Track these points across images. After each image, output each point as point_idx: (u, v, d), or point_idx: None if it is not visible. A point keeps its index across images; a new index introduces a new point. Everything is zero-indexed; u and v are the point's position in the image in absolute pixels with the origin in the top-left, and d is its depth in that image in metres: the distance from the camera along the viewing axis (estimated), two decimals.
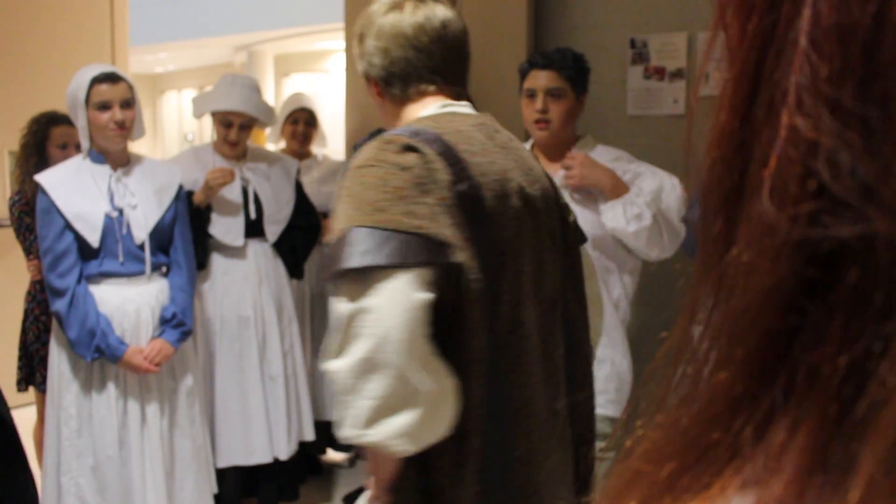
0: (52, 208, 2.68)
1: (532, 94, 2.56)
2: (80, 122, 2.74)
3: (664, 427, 0.31)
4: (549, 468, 1.50)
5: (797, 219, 0.26)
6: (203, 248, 3.17)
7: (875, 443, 0.24)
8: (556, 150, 2.60)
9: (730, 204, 0.30)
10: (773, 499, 0.26)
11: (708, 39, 0.31)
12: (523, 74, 2.61)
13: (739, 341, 0.28)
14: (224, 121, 3.23)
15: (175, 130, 15.88)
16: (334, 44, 11.26)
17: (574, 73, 2.54)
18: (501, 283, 1.40)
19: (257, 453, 3.21)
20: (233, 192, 3.20)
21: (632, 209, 2.41)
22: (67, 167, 2.80)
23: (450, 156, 1.36)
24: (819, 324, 0.26)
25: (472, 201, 1.35)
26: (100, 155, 2.80)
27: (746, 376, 0.28)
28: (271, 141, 4.19)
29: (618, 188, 2.44)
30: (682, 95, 3.15)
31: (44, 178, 2.73)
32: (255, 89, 3.33)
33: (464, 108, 1.56)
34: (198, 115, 3.35)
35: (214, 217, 3.19)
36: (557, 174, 2.52)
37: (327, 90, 11.55)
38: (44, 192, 2.69)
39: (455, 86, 1.58)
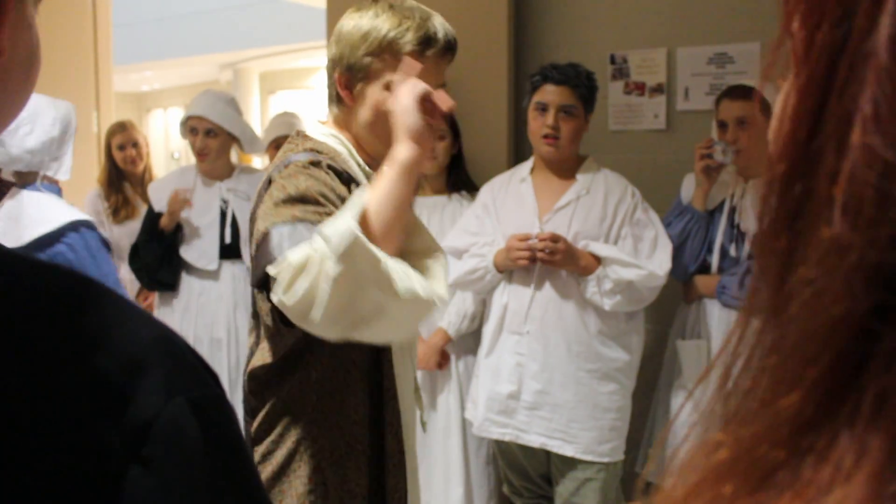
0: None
1: (543, 109, 2.50)
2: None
3: (724, 445, 0.30)
4: None
5: (874, 242, 0.25)
6: (173, 269, 3.18)
7: None
8: (561, 166, 2.58)
9: (794, 219, 0.29)
10: None
11: (773, 46, 0.30)
12: (534, 87, 2.54)
13: (812, 362, 0.28)
14: (191, 129, 3.21)
15: (161, 149, 15.84)
16: (318, 61, 11.27)
17: (587, 91, 2.50)
18: None
19: None
20: (207, 216, 3.18)
21: (606, 284, 2.41)
22: None
23: None
24: (892, 349, 0.26)
25: None
26: None
27: (818, 397, 0.27)
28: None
29: (588, 267, 2.43)
30: (663, 110, 3.18)
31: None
32: (229, 103, 3.30)
33: None
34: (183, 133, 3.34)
35: (188, 239, 3.19)
36: (559, 206, 2.53)
37: (312, 107, 11.57)
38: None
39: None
